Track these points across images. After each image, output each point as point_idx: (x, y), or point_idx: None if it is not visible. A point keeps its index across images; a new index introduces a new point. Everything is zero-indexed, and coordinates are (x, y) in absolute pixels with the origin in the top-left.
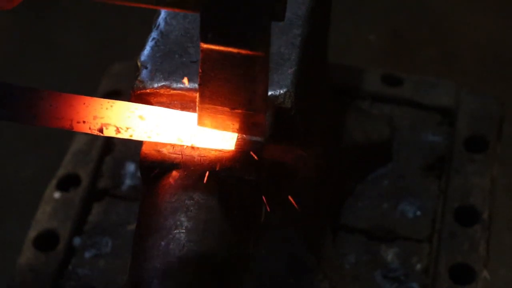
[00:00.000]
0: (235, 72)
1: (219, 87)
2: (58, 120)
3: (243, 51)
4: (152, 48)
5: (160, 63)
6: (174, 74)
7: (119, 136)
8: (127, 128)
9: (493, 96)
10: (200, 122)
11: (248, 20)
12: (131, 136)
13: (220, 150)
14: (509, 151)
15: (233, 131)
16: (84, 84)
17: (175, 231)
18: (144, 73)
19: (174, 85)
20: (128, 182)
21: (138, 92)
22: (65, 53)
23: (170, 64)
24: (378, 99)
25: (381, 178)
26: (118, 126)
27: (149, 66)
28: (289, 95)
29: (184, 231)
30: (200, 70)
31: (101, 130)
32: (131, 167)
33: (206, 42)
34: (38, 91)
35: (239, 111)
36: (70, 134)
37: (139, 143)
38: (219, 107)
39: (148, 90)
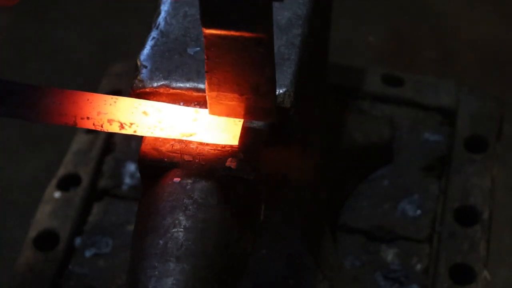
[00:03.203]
0: (240, 56)
1: (226, 72)
2: (62, 116)
3: (245, 34)
4: (151, 47)
5: (159, 62)
6: (173, 73)
7: (123, 132)
8: (131, 124)
9: (493, 96)
10: (211, 110)
11: (247, 2)
12: (135, 131)
13: (219, 150)
14: (509, 151)
15: (244, 118)
16: (84, 84)
17: (173, 230)
18: (143, 72)
19: (174, 84)
20: (128, 182)
21: (138, 91)
22: (65, 53)
23: (170, 63)
24: (378, 99)
25: (381, 178)
26: (122, 122)
27: (148, 65)
28: (288, 94)
29: (182, 230)
30: (206, 57)
31: (105, 126)
32: (131, 167)
33: (207, 27)
34: (41, 88)
35: (248, 96)
36: (70, 134)
37: (140, 143)
38: (228, 94)
39: (147, 89)
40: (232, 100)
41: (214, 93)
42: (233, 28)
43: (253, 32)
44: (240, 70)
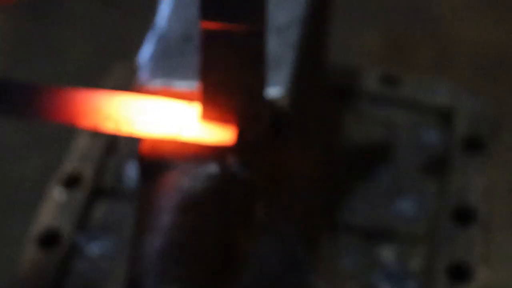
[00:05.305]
0: (235, 52)
1: (220, 72)
2: (58, 114)
3: (242, 27)
4: (151, 47)
5: (160, 62)
6: (174, 73)
7: (119, 130)
8: (127, 122)
9: (491, 96)
10: (201, 116)
11: None
12: (130, 130)
13: (218, 149)
14: (509, 152)
15: (234, 124)
16: (84, 84)
17: (172, 230)
18: (143, 72)
19: (174, 85)
20: (129, 182)
21: (138, 91)
22: (65, 53)
23: (170, 63)
24: (377, 99)
25: (381, 178)
26: (118, 120)
27: (149, 65)
28: (287, 95)
29: (181, 230)
30: (200, 56)
31: (101, 125)
32: (132, 167)
33: (205, 19)
34: (36, 85)
35: (240, 98)
36: (71, 134)
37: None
38: (220, 97)
39: (147, 90)
40: (224, 104)
41: (205, 96)
42: (232, 20)
43: (253, 25)
44: (234, 69)
